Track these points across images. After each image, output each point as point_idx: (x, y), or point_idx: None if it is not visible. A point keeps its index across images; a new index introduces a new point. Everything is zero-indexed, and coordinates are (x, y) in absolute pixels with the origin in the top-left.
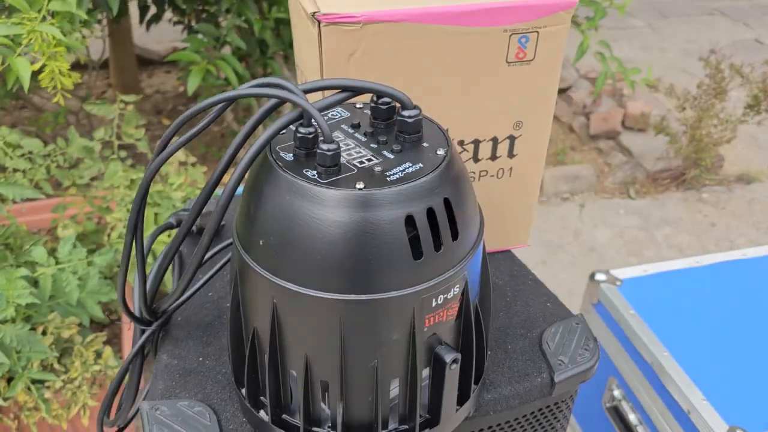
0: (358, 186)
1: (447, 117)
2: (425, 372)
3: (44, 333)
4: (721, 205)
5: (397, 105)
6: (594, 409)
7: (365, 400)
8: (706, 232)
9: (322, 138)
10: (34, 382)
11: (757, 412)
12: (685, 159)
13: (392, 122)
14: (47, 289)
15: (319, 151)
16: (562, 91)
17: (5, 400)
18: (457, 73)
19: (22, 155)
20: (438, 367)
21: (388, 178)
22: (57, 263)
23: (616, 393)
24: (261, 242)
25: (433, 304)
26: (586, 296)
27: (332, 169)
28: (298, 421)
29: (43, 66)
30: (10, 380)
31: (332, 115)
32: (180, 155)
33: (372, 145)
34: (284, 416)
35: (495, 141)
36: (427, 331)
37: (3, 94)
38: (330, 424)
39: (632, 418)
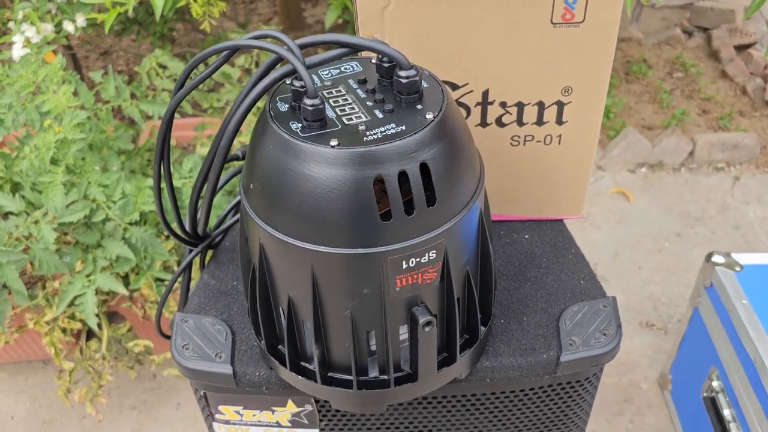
0: (331, 143)
1: (487, 76)
2: (404, 328)
3: (168, 238)
4: None
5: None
6: (692, 396)
7: (343, 346)
8: None
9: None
10: (156, 280)
11: None
12: None
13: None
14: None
15: (302, 105)
16: (743, 48)
17: (132, 291)
18: (498, 31)
19: (169, 76)
20: (413, 326)
21: (365, 138)
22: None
23: (715, 384)
24: (251, 186)
25: (404, 266)
26: (699, 278)
27: (315, 124)
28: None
29: None
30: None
31: (344, 68)
32: None
33: (368, 103)
34: (279, 347)
35: (541, 105)
36: (401, 291)
37: (165, 20)
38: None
39: (727, 413)
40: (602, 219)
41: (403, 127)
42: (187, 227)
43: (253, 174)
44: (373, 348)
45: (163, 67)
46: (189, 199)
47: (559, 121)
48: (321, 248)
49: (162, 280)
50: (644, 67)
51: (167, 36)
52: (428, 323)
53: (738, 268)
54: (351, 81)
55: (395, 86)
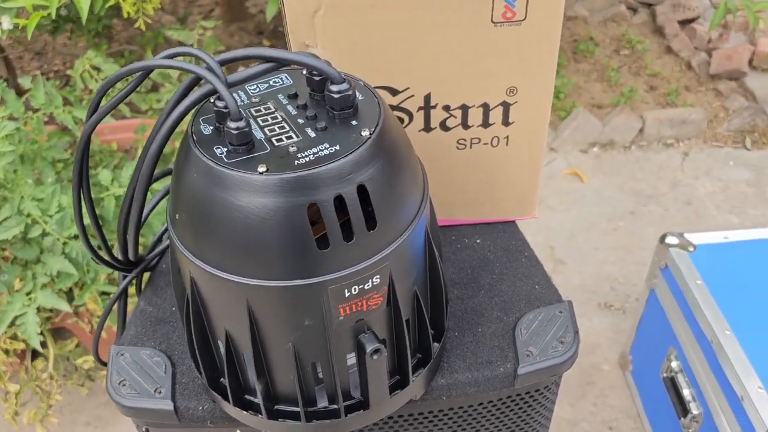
0: (259, 169)
1: (428, 79)
2: (351, 356)
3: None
4: None
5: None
6: (652, 376)
7: (288, 378)
8: None
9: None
10: (101, 293)
11: None
12: None
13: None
14: (111, 209)
15: (225, 128)
16: (686, 22)
17: (77, 307)
18: (437, 33)
19: (104, 79)
20: (361, 354)
21: (296, 161)
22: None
23: (674, 364)
24: (177, 216)
25: (347, 294)
26: (654, 260)
27: (241, 148)
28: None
29: None
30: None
31: (273, 82)
32: None
33: (299, 120)
34: (221, 380)
35: (486, 107)
36: (346, 320)
37: (97, 18)
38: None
39: (686, 392)
40: (557, 201)
41: (338, 147)
42: (118, 253)
43: (178, 203)
44: (321, 376)
45: (98, 69)
46: (119, 223)
47: (506, 122)
48: (255, 281)
49: (107, 293)
50: (591, 46)
51: (103, 33)
52: (376, 351)
53: (691, 249)
54: (281, 96)
55: (327, 101)
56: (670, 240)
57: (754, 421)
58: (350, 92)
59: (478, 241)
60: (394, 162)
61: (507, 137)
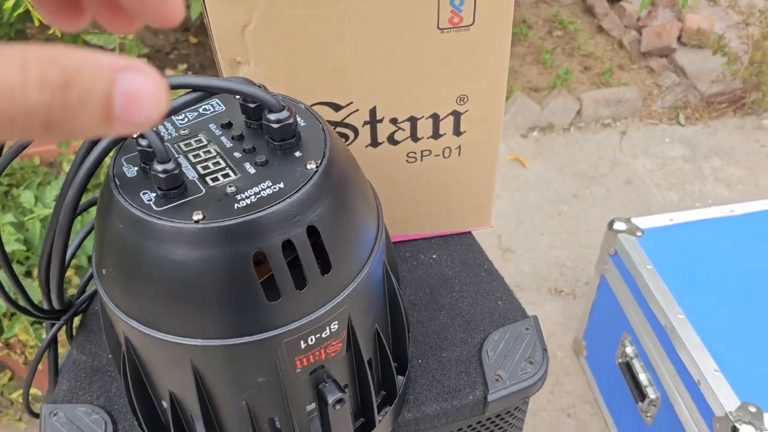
0: (195, 217)
1: (373, 92)
2: (312, 406)
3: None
4: None
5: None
6: (607, 361)
7: None
8: (761, 165)
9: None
10: (33, 323)
11: None
12: (745, 81)
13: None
14: (36, 234)
15: (152, 172)
16: (616, 1)
17: (7, 339)
18: (380, 43)
19: None
20: (323, 405)
21: (236, 204)
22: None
23: (629, 350)
24: (104, 271)
25: (303, 346)
26: (603, 245)
27: (172, 192)
28: None
29: None
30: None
31: (204, 109)
32: None
33: (236, 154)
34: None
35: (436, 118)
36: (303, 371)
37: (9, 24)
38: None
39: (643, 377)
40: (501, 188)
41: (282, 185)
42: (42, 300)
43: (104, 257)
44: (280, 427)
45: None
46: (39, 268)
47: (457, 132)
48: (199, 342)
49: (40, 322)
50: (524, 28)
51: (16, 39)
52: (339, 401)
53: (639, 233)
54: (213, 126)
55: (266, 131)
56: (618, 226)
57: (711, 404)
58: (291, 120)
59: (434, 256)
60: (345, 195)
61: (459, 147)
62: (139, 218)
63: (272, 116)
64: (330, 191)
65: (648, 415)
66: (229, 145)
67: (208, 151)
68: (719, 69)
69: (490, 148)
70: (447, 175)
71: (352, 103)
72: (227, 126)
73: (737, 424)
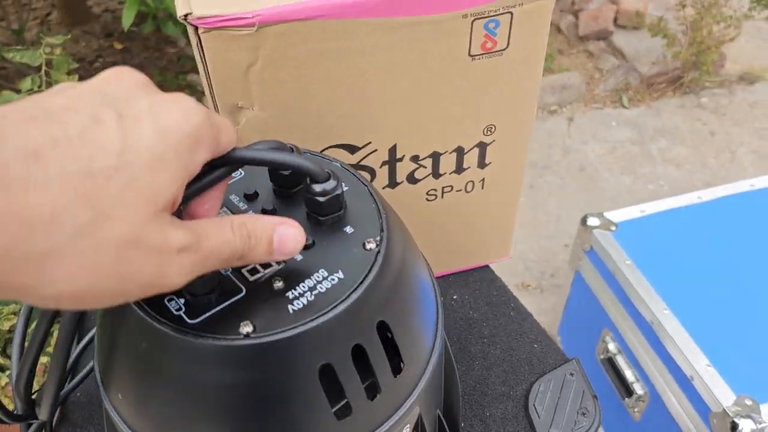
0: (243, 330)
1: (394, 130)
2: None
3: None
4: (721, 111)
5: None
6: (586, 357)
7: None
8: (705, 142)
9: None
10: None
11: (764, 377)
12: (684, 62)
13: (300, 191)
14: None
15: None
16: None
17: None
18: (404, 77)
19: None
20: None
21: (290, 307)
22: None
23: (611, 346)
24: (120, 396)
25: None
26: (577, 242)
27: (207, 297)
28: None
29: None
30: None
31: None
32: None
33: None
34: None
35: (460, 152)
36: None
37: None
38: None
39: (629, 373)
40: None
41: (341, 274)
42: (18, 401)
43: (118, 381)
44: None
45: None
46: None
47: (482, 165)
48: None
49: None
50: None
51: None
52: None
53: (613, 228)
54: (235, 198)
55: (308, 204)
56: (592, 221)
57: (707, 400)
58: (339, 191)
59: (455, 297)
60: (410, 273)
61: (483, 180)
62: (170, 336)
63: (317, 187)
64: (396, 273)
65: (635, 410)
66: None
67: None
68: (657, 50)
69: (515, 179)
70: (469, 210)
71: (370, 143)
72: (253, 197)
73: (736, 419)
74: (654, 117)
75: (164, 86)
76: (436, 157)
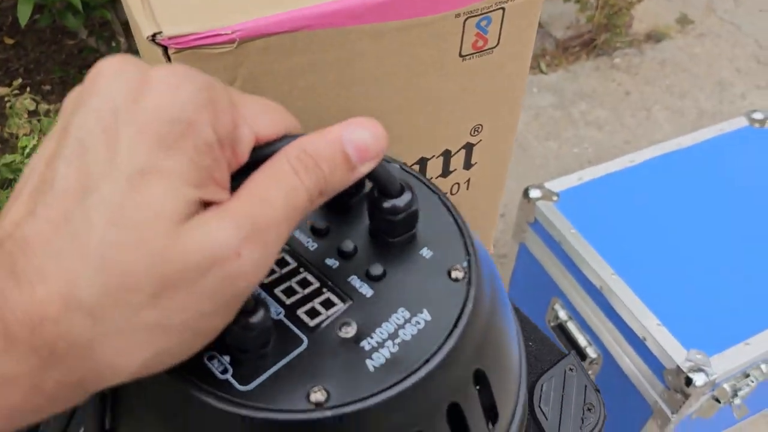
0: (314, 398)
1: None
2: None
3: None
4: (633, 70)
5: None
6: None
7: None
8: (622, 103)
9: None
10: None
11: (712, 331)
12: (597, 25)
13: (358, 201)
14: None
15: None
16: None
17: None
18: (389, 85)
19: None
20: None
21: (369, 362)
22: None
23: (562, 314)
24: None
25: None
26: (520, 214)
27: (258, 353)
28: None
29: None
30: None
31: None
32: (28, 102)
33: (328, 262)
34: None
35: (447, 155)
36: None
37: None
38: None
39: (581, 338)
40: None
41: (426, 315)
42: None
43: None
44: None
45: None
46: None
47: (468, 165)
48: None
49: None
50: None
51: None
52: None
53: (555, 198)
54: None
55: (376, 223)
56: (534, 193)
57: (660, 358)
58: (415, 206)
59: None
60: (499, 306)
61: (468, 181)
62: (215, 409)
63: (388, 203)
64: (489, 309)
65: (590, 373)
66: (311, 245)
67: (285, 261)
68: (571, 15)
69: (499, 177)
70: None
71: None
72: None
73: (690, 374)
74: (572, 81)
75: (67, 82)
76: (422, 162)
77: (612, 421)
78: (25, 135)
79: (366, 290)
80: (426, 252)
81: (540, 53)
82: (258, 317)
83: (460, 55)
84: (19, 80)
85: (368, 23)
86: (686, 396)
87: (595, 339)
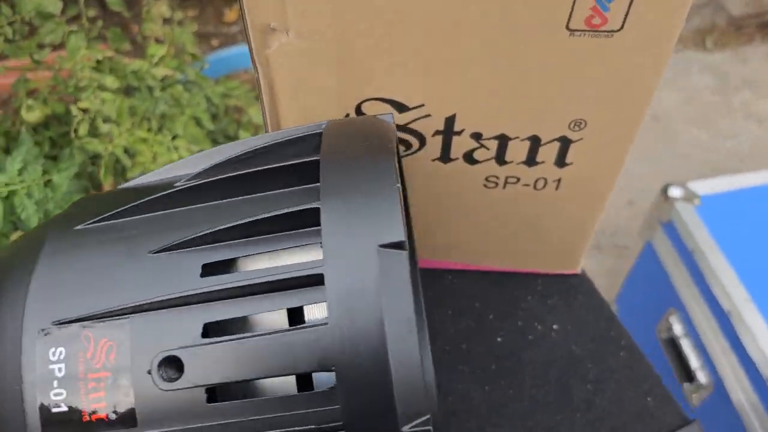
0: None
1: (456, 97)
2: None
3: None
4: None
5: None
6: (644, 331)
7: None
8: None
9: None
10: None
11: None
12: None
13: None
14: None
15: None
16: None
17: None
18: (478, 36)
19: None
20: None
21: None
22: (7, 185)
23: (677, 328)
24: None
25: None
26: (653, 212)
27: None
28: None
29: None
30: None
31: None
32: (164, 9)
33: None
34: None
35: (535, 141)
36: None
37: None
38: None
39: (693, 360)
40: None
41: None
42: None
43: None
44: None
45: None
46: None
47: (560, 163)
48: None
49: None
50: None
51: None
52: None
53: (697, 201)
54: None
55: None
56: (674, 192)
57: None
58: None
59: (555, 327)
60: None
61: (558, 180)
62: None
63: None
64: None
65: (694, 395)
66: None
67: None
68: None
69: (602, 189)
70: (535, 210)
71: (423, 105)
72: None
73: None
74: (740, 64)
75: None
76: (503, 140)
77: None
78: (157, 41)
79: None
80: None
81: (708, 28)
82: None
83: (568, 28)
84: None
85: None
86: None
87: (709, 363)
